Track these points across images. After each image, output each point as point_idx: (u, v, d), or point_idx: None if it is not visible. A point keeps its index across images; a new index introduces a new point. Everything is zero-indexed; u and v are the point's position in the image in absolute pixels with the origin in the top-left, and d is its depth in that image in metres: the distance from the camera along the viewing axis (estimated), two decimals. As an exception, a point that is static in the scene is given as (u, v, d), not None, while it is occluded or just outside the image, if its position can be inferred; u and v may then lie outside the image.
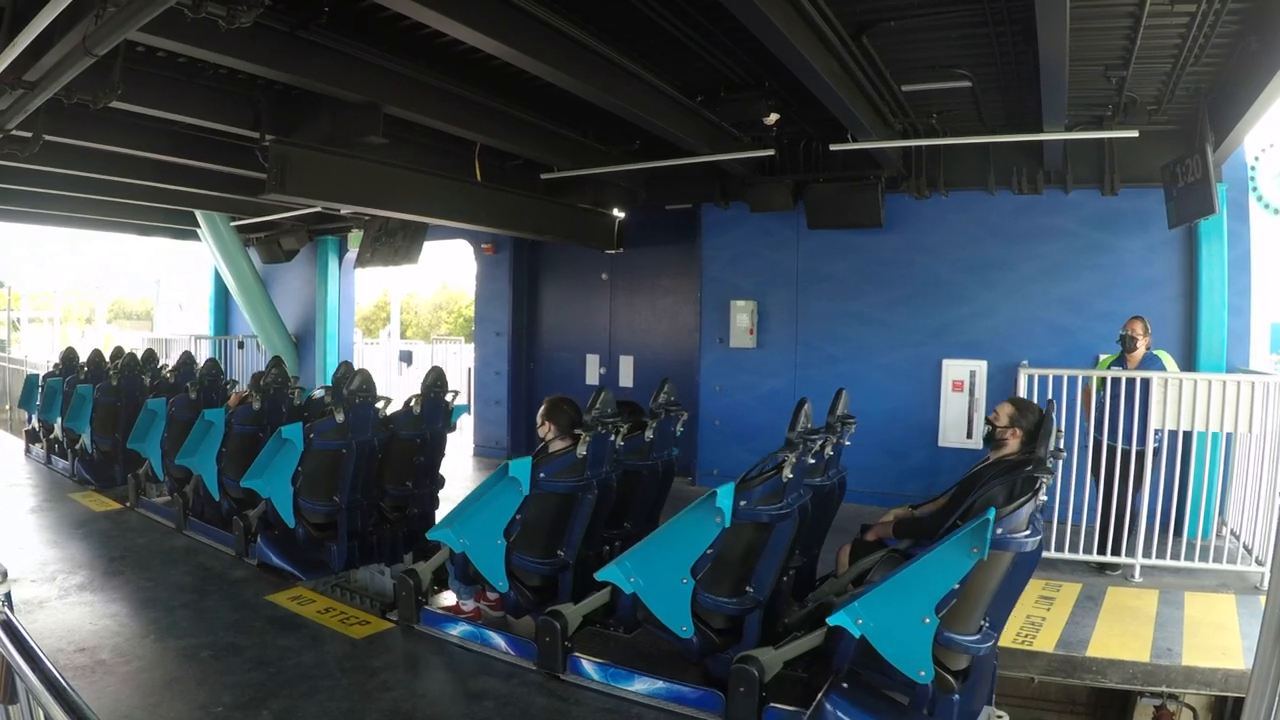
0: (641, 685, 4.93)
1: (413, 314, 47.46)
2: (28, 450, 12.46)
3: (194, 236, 16.40)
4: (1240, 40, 6.56)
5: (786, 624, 4.98)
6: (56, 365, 12.97)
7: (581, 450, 5.48)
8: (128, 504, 9.19)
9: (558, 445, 5.72)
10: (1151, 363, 7.63)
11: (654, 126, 8.28)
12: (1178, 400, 7.24)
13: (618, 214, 12.35)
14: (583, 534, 5.66)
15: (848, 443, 5.94)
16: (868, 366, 10.43)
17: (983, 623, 4.21)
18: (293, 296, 16.72)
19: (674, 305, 12.46)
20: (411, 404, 7.61)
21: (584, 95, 7.43)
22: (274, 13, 6.07)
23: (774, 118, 8.46)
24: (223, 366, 13.16)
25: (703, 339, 11.58)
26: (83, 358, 12.43)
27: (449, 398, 7.81)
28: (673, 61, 7.61)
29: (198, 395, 8.91)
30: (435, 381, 7.73)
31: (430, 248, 12.98)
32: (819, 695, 4.32)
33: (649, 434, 6.30)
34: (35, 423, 12.48)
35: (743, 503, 4.61)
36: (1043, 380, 7.65)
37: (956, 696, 4.17)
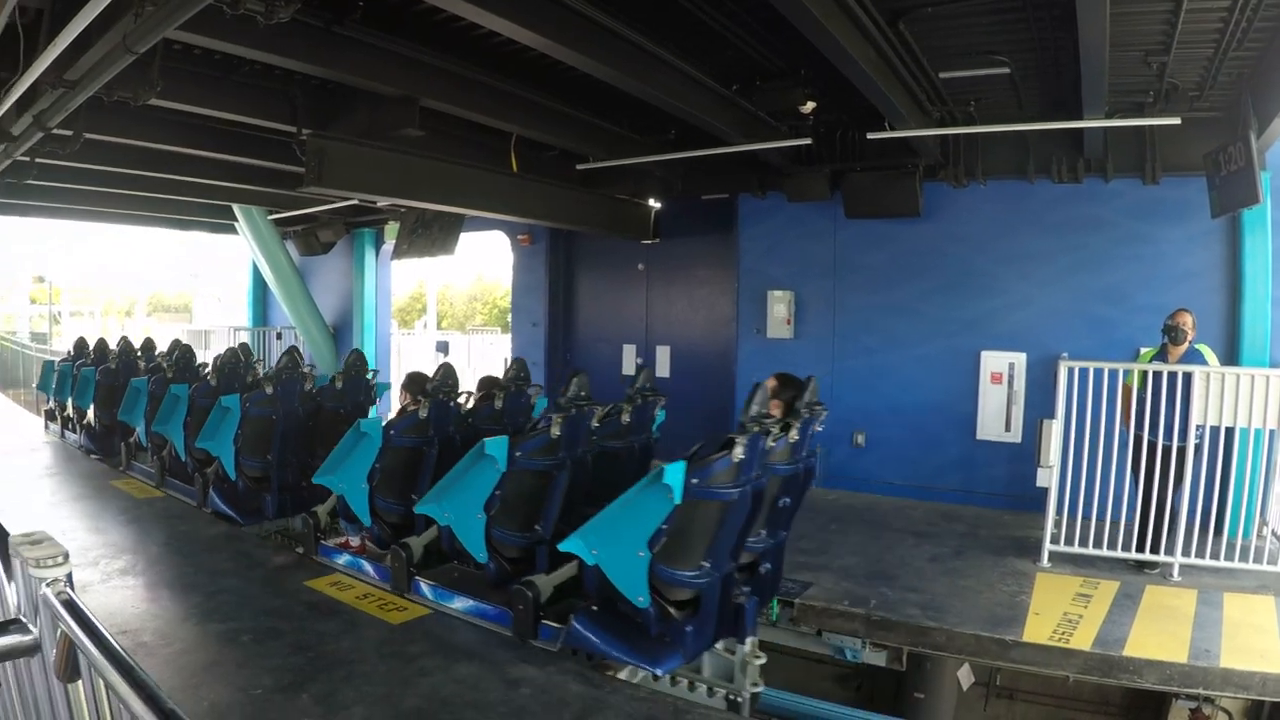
0: (459, 604, 5.89)
1: (448, 305, 47.75)
2: (46, 427, 13.73)
3: (231, 230, 16.56)
4: (1284, 25, 6.44)
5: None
6: (69, 352, 14.33)
7: (556, 431, 5.79)
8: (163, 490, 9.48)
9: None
10: (1192, 357, 7.44)
11: (690, 116, 8.26)
12: (1220, 395, 7.07)
13: (654, 204, 12.36)
14: (558, 510, 5.88)
15: (820, 428, 5.82)
16: (904, 358, 10.36)
17: (703, 562, 4.86)
18: (330, 288, 16.87)
19: (711, 296, 12.41)
20: (335, 381, 8.62)
21: (620, 85, 7.42)
22: (310, 8, 6.13)
23: (810, 106, 8.43)
24: (260, 357, 14.34)
25: (739, 330, 11.55)
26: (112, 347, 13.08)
27: (370, 376, 8.88)
28: (707, 50, 7.58)
29: (217, 382, 9.39)
30: (355, 362, 8.88)
31: (466, 239, 13.07)
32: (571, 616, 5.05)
33: (625, 417, 6.49)
34: (52, 403, 13.68)
35: (694, 480, 4.65)
36: (1083, 373, 7.50)
37: (689, 627, 4.87)
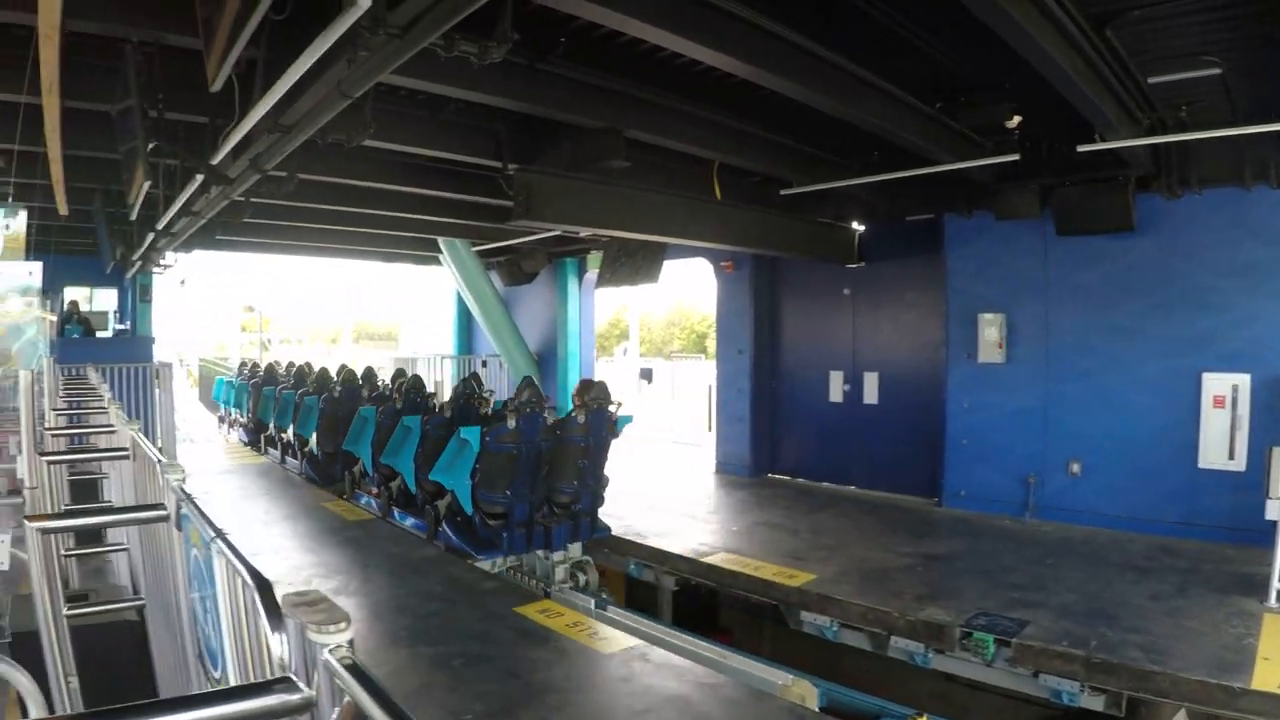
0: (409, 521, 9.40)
1: (645, 330, 48.25)
2: (219, 427, 17.92)
3: (436, 261, 17.22)
4: None
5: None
6: (243, 369, 18.45)
7: (512, 422, 8.07)
8: (380, 515, 10.02)
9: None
10: None
11: (895, 136, 8.04)
12: None
13: (857, 227, 12.16)
14: (527, 481, 8.29)
15: (616, 415, 8.80)
16: (1121, 381, 9.78)
17: (506, 491, 8.15)
18: (535, 316, 17.28)
19: (918, 320, 12.01)
20: (577, 414, 8.74)
21: (823, 109, 7.31)
22: (514, 47, 6.29)
23: (1016, 120, 8.17)
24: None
25: (949, 354, 11.16)
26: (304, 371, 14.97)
27: (612, 408, 8.88)
28: (906, 67, 7.40)
29: (403, 405, 10.11)
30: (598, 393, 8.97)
31: (667, 265, 13.14)
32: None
33: (580, 418, 8.49)
34: (224, 411, 17.56)
35: (488, 439, 8.02)
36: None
37: (504, 534, 8.21)
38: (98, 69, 6.84)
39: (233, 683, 1.89)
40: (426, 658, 5.66)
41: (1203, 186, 9.27)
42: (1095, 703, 6.25)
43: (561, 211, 8.46)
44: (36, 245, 11.27)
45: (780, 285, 13.76)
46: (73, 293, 16.01)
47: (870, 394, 12.41)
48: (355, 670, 1.33)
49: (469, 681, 5.27)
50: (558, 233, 12.86)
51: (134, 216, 10.29)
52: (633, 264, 12.68)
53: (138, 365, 14.37)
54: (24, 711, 2.33)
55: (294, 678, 1.58)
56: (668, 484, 12.59)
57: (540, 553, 8.56)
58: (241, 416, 16.62)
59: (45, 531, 2.88)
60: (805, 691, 5.59)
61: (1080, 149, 8.56)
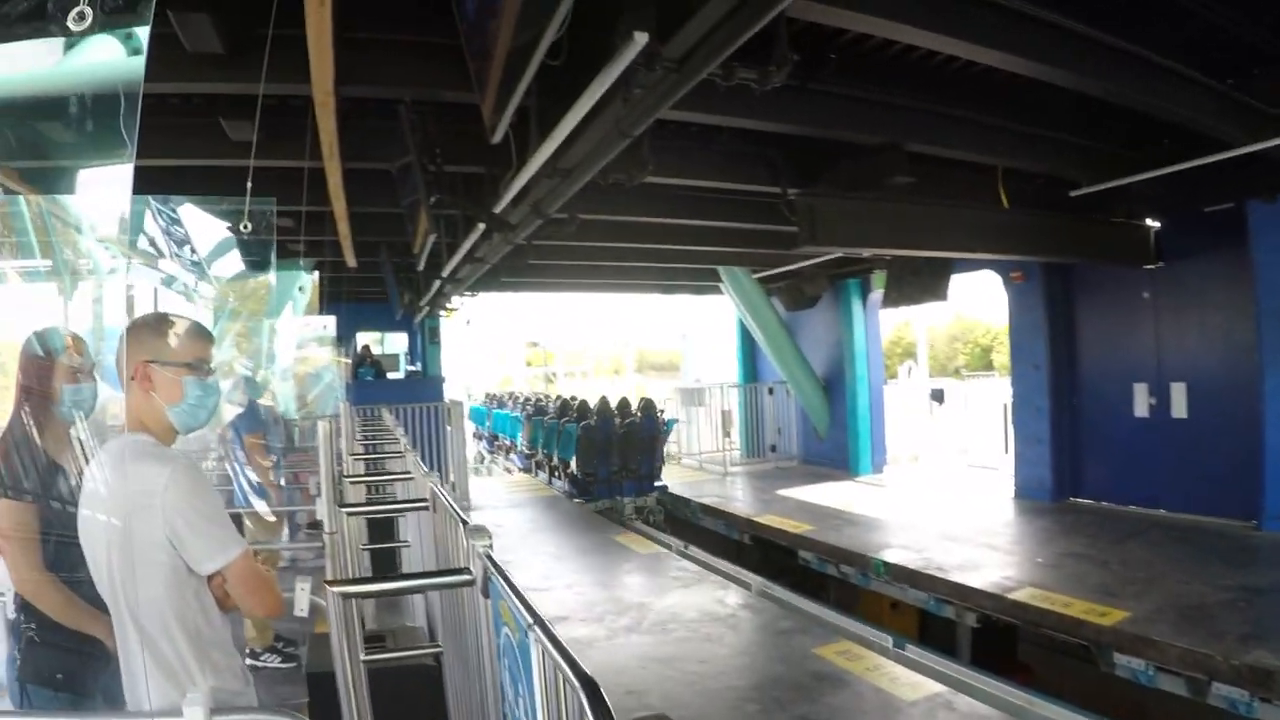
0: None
1: (929, 347, 46.68)
2: (477, 440, 24.55)
3: (716, 290, 17.29)
4: None
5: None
6: (521, 402, 24.56)
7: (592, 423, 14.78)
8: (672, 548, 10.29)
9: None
10: None
11: (1189, 120, 7.21)
12: None
13: (1151, 224, 11.10)
14: (605, 457, 14.73)
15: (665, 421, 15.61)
16: None
17: (594, 461, 14.79)
18: (818, 341, 16.97)
19: (1226, 322, 10.50)
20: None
21: (1110, 98, 6.71)
22: (785, 69, 6.12)
23: (1319, 90, 7.07)
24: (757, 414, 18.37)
25: (1263, 360, 9.59)
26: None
27: (659, 414, 15.82)
28: (1189, 41, 6.54)
29: (596, 421, 15.63)
30: (646, 406, 15.90)
31: (952, 280, 12.53)
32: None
33: (638, 417, 15.18)
34: (476, 429, 24.23)
35: (583, 429, 14.81)
36: None
37: (597, 489, 14.81)
38: (374, 130, 7.28)
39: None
40: (721, 700, 5.58)
41: None
42: None
43: (847, 234, 8.22)
44: (330, 296, 12.21)
45: (1073, 293, 12.67)
46: (364, 337, 17.36)
47: (1179, 407, 11.02)
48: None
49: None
50: (839, 254, 12.56)
51: (421, 266, 10.89)
52: (919, 281, 12.16)
53: (429, 405, 15.31)
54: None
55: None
56: (966, 512, 11.93)
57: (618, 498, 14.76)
58: (519, 445, 20.86)
59: (346, 596, 2.94)
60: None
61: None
